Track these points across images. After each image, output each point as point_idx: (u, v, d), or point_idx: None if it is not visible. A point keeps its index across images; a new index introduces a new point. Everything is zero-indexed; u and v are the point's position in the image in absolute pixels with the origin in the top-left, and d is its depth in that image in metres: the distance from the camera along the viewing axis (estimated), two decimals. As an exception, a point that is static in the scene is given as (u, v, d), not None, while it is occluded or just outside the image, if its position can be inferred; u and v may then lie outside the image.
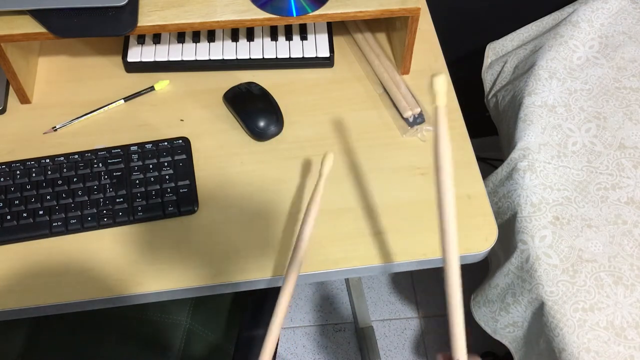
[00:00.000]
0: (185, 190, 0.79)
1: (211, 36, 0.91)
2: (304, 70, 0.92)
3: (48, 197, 0.78)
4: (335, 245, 0.76)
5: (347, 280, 1.54)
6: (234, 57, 0.90)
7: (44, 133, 0.85)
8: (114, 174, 0.80)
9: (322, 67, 0.92)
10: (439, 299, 1.51)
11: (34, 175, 0.79)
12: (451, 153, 0.55)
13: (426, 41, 0.94)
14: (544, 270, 0.84)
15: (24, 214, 0.77)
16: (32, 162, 0.80)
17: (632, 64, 1.02)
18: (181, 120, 0.87)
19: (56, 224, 0.77)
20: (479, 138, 1.17)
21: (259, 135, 0.84)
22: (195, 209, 0.79)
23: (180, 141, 0.83)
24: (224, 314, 0.98)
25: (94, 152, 0.82)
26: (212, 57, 0.90)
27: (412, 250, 0.76)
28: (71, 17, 0.78)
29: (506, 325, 0.93)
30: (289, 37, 0.91)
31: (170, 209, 0.78)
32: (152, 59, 0.90)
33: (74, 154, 0.81)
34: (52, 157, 0.81)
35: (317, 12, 0.81)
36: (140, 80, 0.90)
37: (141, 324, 0.94)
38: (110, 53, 0.93)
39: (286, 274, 0.66)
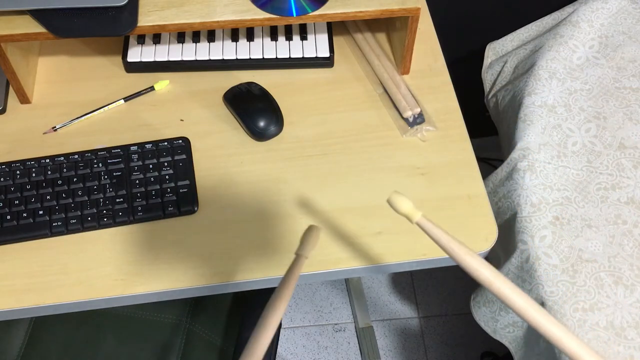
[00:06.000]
0: (185, 190, 0.79)
1: (211, 36, 0.91)
2: (304, 70, 0.92)
3: (48, 197, 0.78)
4: (335, 245, 0.76)
5: (347, 280, 1.54)
6: (234, 57, 0.90)
7: (44, 133, 0.85)
8: (114, 174, 0.80)
9: (322, 67, 0.92)
10: (438, 299, 1.51)
11: (34, 175, 0.79)
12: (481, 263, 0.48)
13: (426, 41, 0.94)
14: (544, 270, 0.84)
15: (24, 214, 0.77)
16: (32, 162, 0.80)
17: (632, 64, 1.02)
18: (181, 120, 0.87)
19: (56, 224, 0.77)
20: (479, 138, 1.17)
21: (259, 135, 0.84)
22: (195, 209, 0.79)
23: (180, 141, 0.83)
24: (224, 314, 0.98)
25: (94, 152, 0.82)
26: (212, 57, 0.90)
27: (412, 250, 0.76)
28: (71, 17, 0.78)
29: (506, 325, 0.93)
30: (289, 37, 0.91)
31: (170, 209, 0.78)
32: (152, 59, 0.90)
33: (74, 154, 0.81)
34: (52, 157, 0.81)
35: (317, 12, 0.81)
36: (140, 80, 0.90)
37: (141, 324, 0.94)
38: (110, 53, 0.93)
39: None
